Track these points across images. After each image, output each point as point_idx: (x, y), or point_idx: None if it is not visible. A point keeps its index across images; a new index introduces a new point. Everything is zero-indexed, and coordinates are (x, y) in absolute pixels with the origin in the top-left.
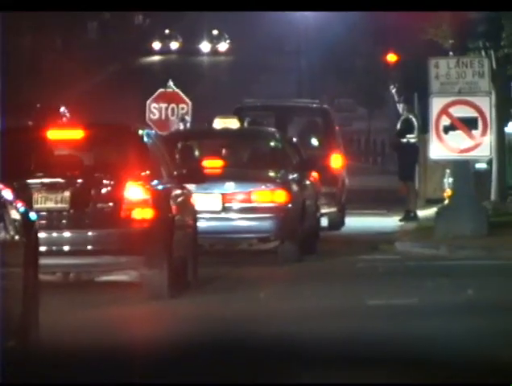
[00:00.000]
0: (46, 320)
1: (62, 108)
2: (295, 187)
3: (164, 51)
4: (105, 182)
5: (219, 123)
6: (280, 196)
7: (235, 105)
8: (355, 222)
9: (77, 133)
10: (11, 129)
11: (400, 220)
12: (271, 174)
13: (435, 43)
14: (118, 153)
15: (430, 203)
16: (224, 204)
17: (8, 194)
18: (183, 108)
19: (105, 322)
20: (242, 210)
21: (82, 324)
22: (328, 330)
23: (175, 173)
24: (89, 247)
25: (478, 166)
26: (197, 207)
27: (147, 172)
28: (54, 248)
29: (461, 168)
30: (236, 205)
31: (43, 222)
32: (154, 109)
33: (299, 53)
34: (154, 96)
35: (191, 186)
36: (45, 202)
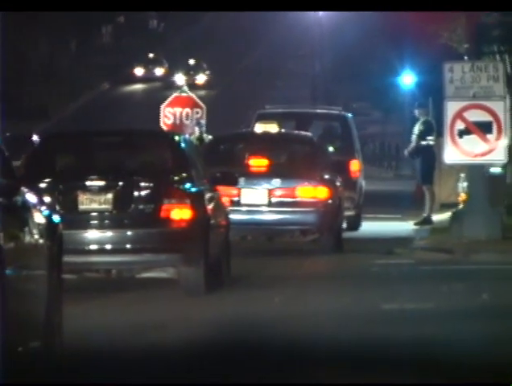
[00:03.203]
0: (82, 319)
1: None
2: (333, 185)
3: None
4: (145, 184)
5: (260, 127)
6: (322, 192)
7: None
8: (370, 226)
9: (119, 139)
10: (57, 135)
11: (415, 224)
12: (312, 171)
13: (450, 47)
14: (158, 157)
15: (444, 207)
16: (270, 199)
17: (32, 197)
18: (197, 113)
19: (133, 321)
20: (287, 204)
21: (112, 322)
22: (342, 332)
23: (209, 176)
24: (131, 245)
25: (493, 170)
26: (245, 201)
27: (184, 175)
28: (97, 246)
29: (476, 172)
30: (281, 199)
31: (88, 222)
32: (169, 114)
33: (314, 57)
34: (169, 100)
35: (241, 182)
36: (90, 203)
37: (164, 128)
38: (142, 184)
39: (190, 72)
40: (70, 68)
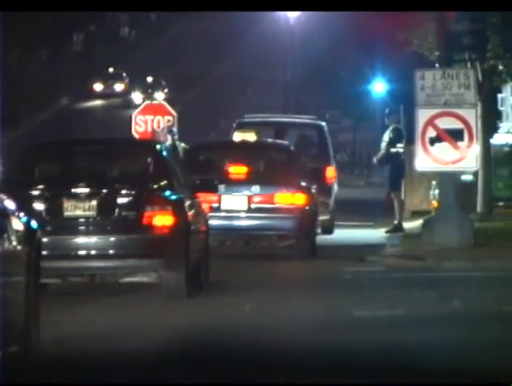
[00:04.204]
0: (63, 322)
1: None
2: (309, 192)
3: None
4: (128, 191)
5: (238, 136)
6: (300, 199)
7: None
8: (342, 233)
9: (103, 147)
10: (42, 144)
11: (386, 232)
12: (291, 179)
13: (421, 54)
14: (140, 165)
15: (416, 214)
16: (249, 205)
17: (10, 204)
18: (169, 121)
19: (112, 325)
20: (265, 210)
21: (93, 327)
22: (314, 340)
23: (189, 183)
24: (114, 251)
25: (464, 177)
26: (225, 207)
27: (166, 182)
28: (82, 252)
29: (447, 180)
30: (260, 206)
31: (73, 228)
32: (140, 121)
33: (285, 65)
34: (140, 108)
35: (221, 189)
36: (74, 210)
37: (136, 135)
38: (125, 191)
39: (148, 91)
40: (41, 76)
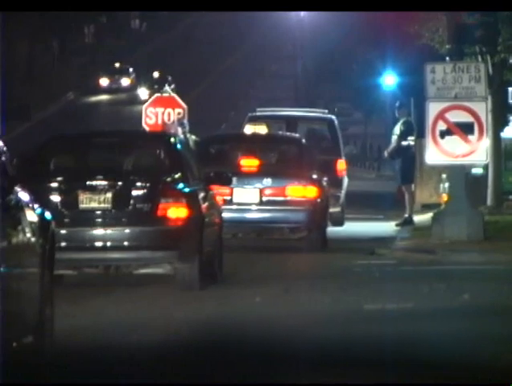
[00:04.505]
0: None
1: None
2: (321, 185)
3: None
4: (143, 184)
5: (249, 129)
6: (311, 191)
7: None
8: (353, 226)
9: (118, 140)
10: (59, 136)
11: (396, 225)
12: (302, 171)
13: (432, 48)
14: (155, 157)
15: (426, 208)
16: (261, 197)
17: (25, 196)
18: (179, 113)
19: (126, 318)
20: (277, 203)
21: (107, 319)
22: (324, 333)
23: (203, 175)
24: (129, 243)
25: (474, 170)
26: (237, 200)
27: (180, 175)
28: (97, 243)
29: (457, 173)
30: (272, 198)
31: (88, 220)
32: (151, 114)
33: (296, 58)
34: (151, 100)
35: (233, 182)
36: (89, 202)
37: (146, 128)
38: (140, 184)
39: (154, 86)
40: (52, 69)
